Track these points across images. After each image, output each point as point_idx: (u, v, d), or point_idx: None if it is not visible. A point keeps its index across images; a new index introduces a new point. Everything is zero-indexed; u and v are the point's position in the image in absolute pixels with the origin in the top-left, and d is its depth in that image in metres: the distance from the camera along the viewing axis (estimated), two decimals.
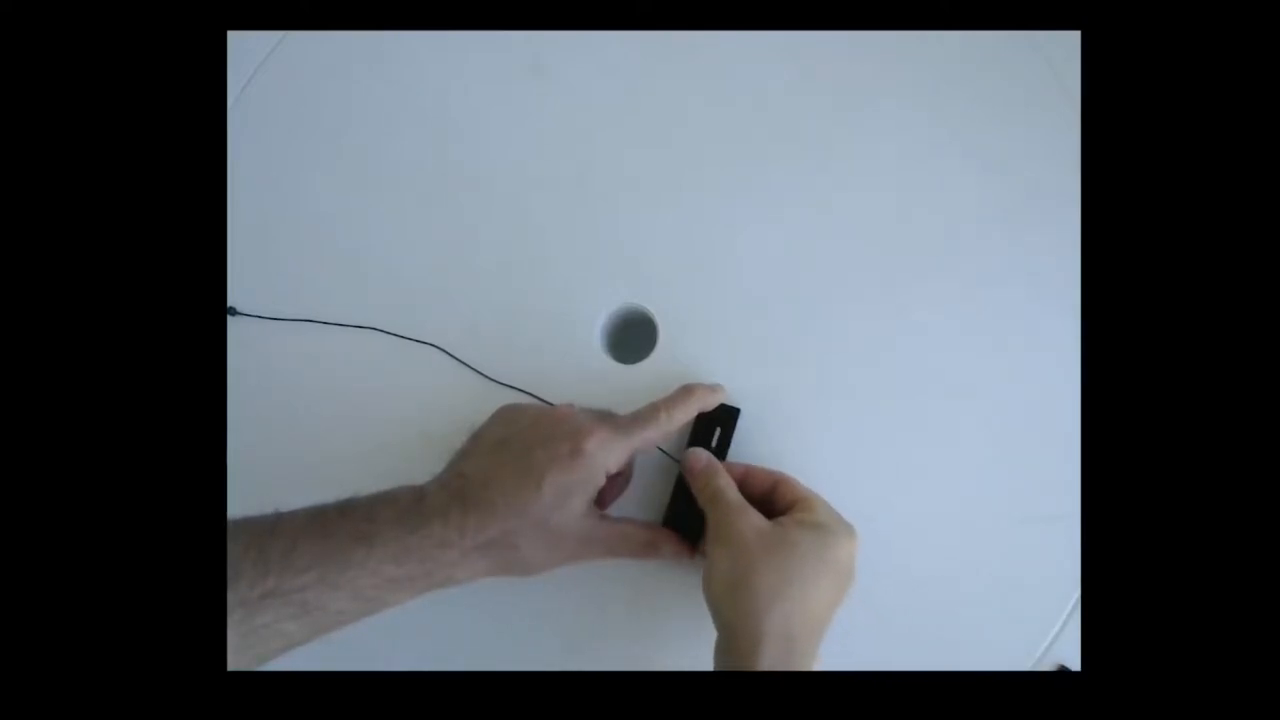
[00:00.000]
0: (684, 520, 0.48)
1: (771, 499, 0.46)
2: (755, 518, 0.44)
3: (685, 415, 0.48)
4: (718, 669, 0.42)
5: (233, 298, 0.54)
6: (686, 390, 0.48)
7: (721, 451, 0.49)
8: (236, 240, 0.54)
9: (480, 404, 0.48)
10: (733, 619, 0.42)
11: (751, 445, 0.50)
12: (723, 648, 0.42)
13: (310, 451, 0.52)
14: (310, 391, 0.53)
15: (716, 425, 0.50)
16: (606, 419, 0.46)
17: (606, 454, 0.44)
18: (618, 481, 0.48)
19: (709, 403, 0.49)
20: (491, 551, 0.42)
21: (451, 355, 0.53)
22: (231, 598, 0.37)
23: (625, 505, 0.49)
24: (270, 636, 0.39)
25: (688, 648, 0.48)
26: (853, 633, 0.48)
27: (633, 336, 0.54)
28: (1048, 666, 0.47)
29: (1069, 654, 0.47)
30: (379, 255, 0.55)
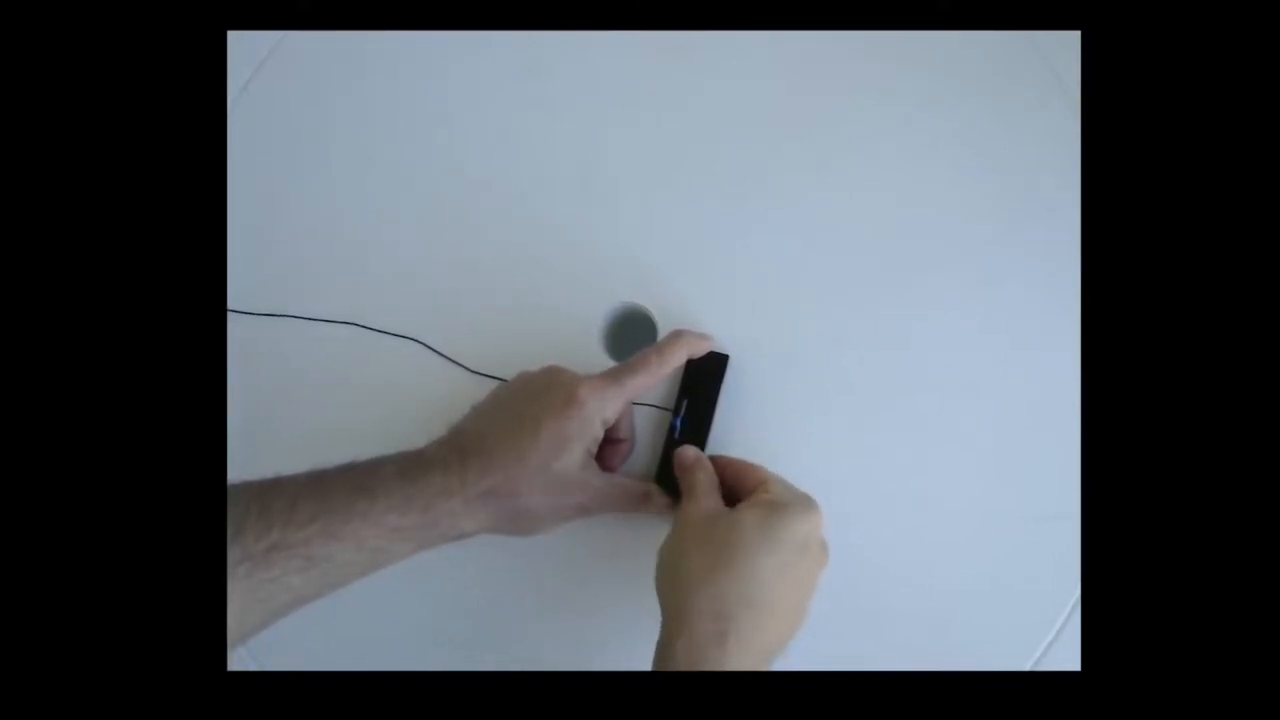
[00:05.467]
0: (671, 479, 0.49)
1: (741, 490, 0.46)
2: (708, 502, 0.44)
3: (676, 359, 0.48)
4: (655, 657, 0.41)
5: (233, 298, 0.54)
6: (676, 334, 0.49)
7: (710, 402, 0.50)
8: (236, 240, 0.54)
9: None
10: (666, 602, 0.42)
11: (751, 447, 0.50)
12: (660, 636, 0.42)
13: (301, 449, 0.52)
14: (303, 389, 0.54)
15: (706, 374, 0.50)
16: (599, 372, 0.47)
17: (601, 401, 0.45)
18: (621, 447, 0.49)
19: (698, 348, 0.50)
20: (493, 501, 0.43)
21: (451, 360, 0.53)
22: (237, 553, 0.38)
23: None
24: (278, 590, 0.39)
25: None
26: (851, 632, 0.48)
27: (632, 336, 0.54)
28: None
29: (1069, 654, 0.47)
30: (378, 255, 0.55)
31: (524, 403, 0.45)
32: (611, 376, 0.46)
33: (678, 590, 0.41)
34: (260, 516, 0.39)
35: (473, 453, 0.43)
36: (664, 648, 0.40)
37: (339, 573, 0.41)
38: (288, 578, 0.39)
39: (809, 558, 0.42)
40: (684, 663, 0.39)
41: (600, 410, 0.45)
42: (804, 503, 0.43)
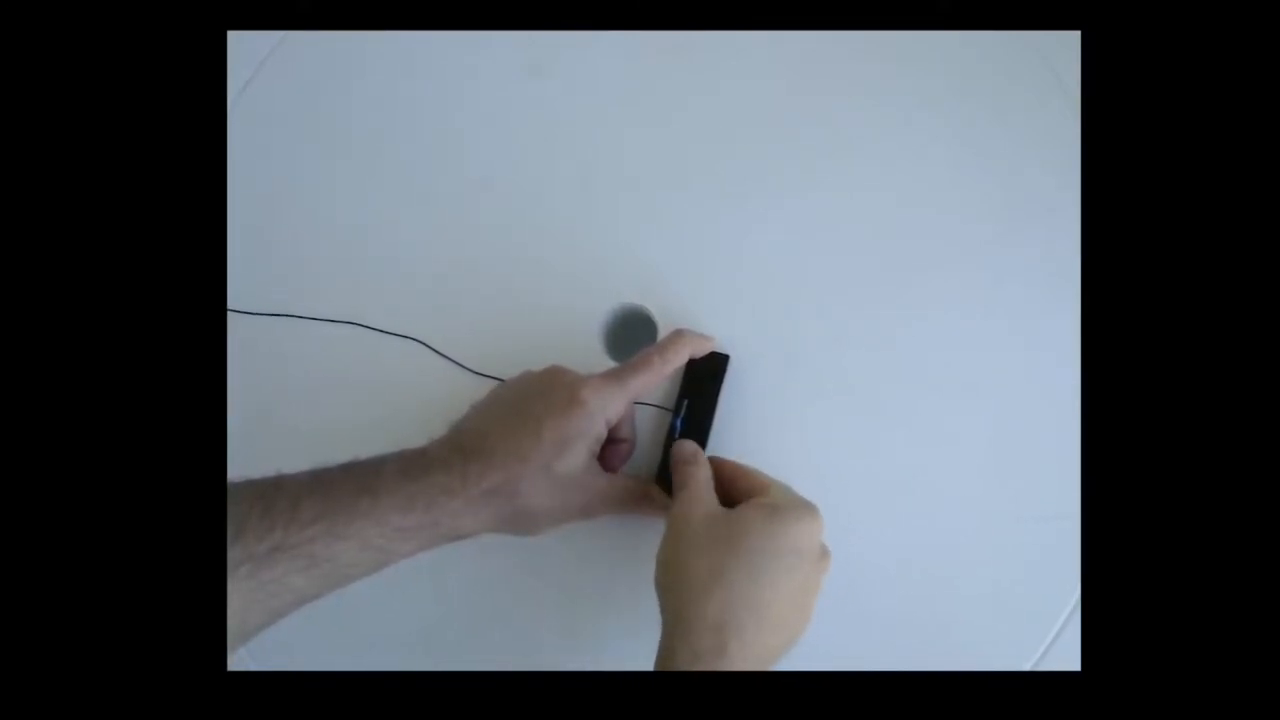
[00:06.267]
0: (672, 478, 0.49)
1: (739, 493, 0.45)
2: (706, 504, 0.43)
3: (678, 359, 0.48)
4: (656, 665, 0.41)
5: (233, 298, 0.54)
6: (678, 334, 0.49)
7: (711, 403, 0.50)
8: (236, 240, 0.54)
9: None
10: (667, 605, 0.41)
11: (751, 447, 0.50)
12: (662, 641, 0.41)
13: (301, 449, 0.52)
14: (303, 389, 0.54)
15: (706, 374, 0.50)
16: (601, 372, 0.47)
17: (604, 401, 0.45)
18: (622, 448, 0.49)
19: (700, 348, 0.50)
20: (495, 500, 0.43)
21: (451, 360, 0.53)
22: (238, 553, 0.38)
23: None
24: (280, 591, 0.39)
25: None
26: (851, 632, 0.48)
27: (633, 336, 0.54)
28: None
29: (1069, 655, 0.47)
30: (378, 255, 0.55)
31: (527, 402, 0.45)
32: (614, 376, 0.46)
33: (680, 595, 0.41)
34: (263, 516, 0.39)
35: (474, 452, 0.43)
36: (666, 655, 0.40)
37: (341, 573, 0.41)
38: (290, 578, 0.39)
39: (808, 562, 0.42)
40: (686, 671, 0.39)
41: (603, 410, 0.45)
42: (806, 506, 0.43)
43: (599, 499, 0.46)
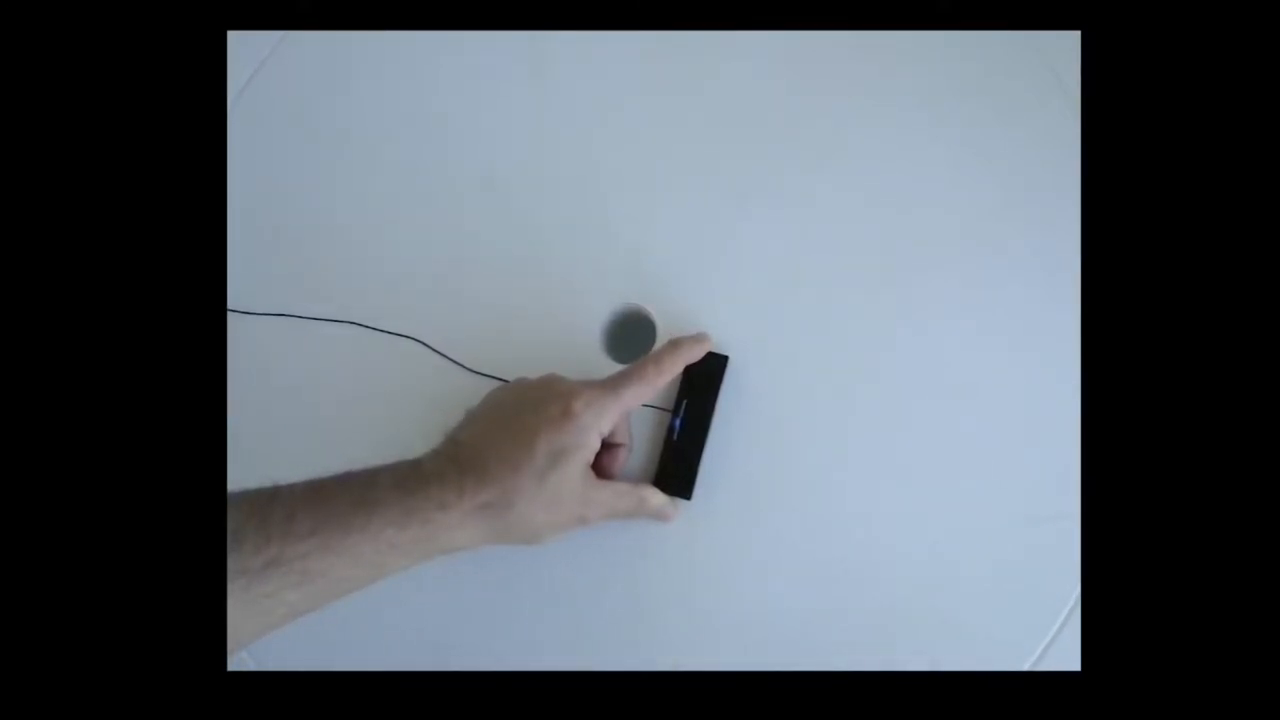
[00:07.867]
0: (671, 479, 0.49)
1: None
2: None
3: (673, 370, 0.48)
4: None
5: (233, 298, 0.54)
6: (673, 344, 0.49)
7: (710, 403, 0.50)
8: (236, 240, 0.54)
9: None
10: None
11: (750, 448, 0.50)
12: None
13: (300, 449, 0.52)
14: (303, 389, 0.54)
15: (705, 375, 0.50)
16: (595, 382, 0.47)
17: (597, 413, 0.44)
18: (620, 452, 0.49)
19: (695, 356, 0.50)
20: (490, 514, 0.43)
21: (451, 360, 0.53)
22: (234, 565, 0.38)
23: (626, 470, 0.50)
24: (274, 606, 0.39)
25: (686, 646, 0.48)
26: (850, 632, 0.48)
27: (632, 336, 0.54)
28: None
29: (1069, 655, 0.47)
30: (378, 255, 0.55)
31: (521, 414, 0.45)
32: (608, 387, 0.46)
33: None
34: (259, 529, 0.39)
35: (469, 466, 0.43)
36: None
37: (335, 587, 0.41)
38: (283, 593, 0.39)
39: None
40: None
41: (596, 422, 0.44)
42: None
43: (594, 508, 0.46)
